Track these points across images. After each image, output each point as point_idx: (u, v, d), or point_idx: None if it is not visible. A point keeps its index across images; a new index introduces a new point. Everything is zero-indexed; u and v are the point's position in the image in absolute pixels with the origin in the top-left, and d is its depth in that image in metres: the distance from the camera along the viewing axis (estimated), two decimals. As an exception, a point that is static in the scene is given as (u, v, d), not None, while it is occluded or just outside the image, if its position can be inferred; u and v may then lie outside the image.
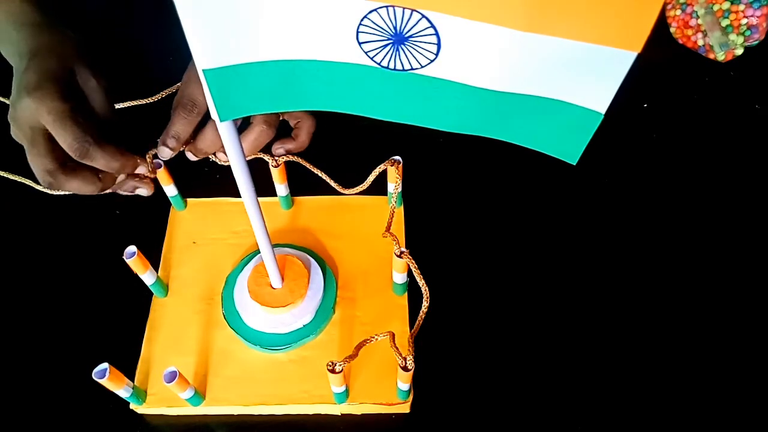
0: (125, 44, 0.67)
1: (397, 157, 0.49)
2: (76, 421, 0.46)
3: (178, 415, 0.47)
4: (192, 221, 0.55)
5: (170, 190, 0.54)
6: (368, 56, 0.28)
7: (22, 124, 0.45)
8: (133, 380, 0.46)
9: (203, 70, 0.29)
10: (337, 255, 0.53)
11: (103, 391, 0.42)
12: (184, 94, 0.48)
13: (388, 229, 0.46)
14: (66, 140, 0.44)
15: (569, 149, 0.30)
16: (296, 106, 0.32)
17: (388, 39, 0.27)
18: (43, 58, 0.46)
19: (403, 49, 0.27)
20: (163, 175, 0.52)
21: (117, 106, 0.54)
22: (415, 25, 0.26)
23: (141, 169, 0.49)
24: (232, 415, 0.47)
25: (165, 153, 0.49)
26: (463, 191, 0.58)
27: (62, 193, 0.56)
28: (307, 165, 0.52)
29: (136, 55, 0.66)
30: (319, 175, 0.52)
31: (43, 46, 0.47)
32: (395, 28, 0.26)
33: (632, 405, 0.47)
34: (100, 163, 0.45)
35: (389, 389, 0.46)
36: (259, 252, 0.45)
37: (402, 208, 0.56)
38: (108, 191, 0.50)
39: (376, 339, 0.42)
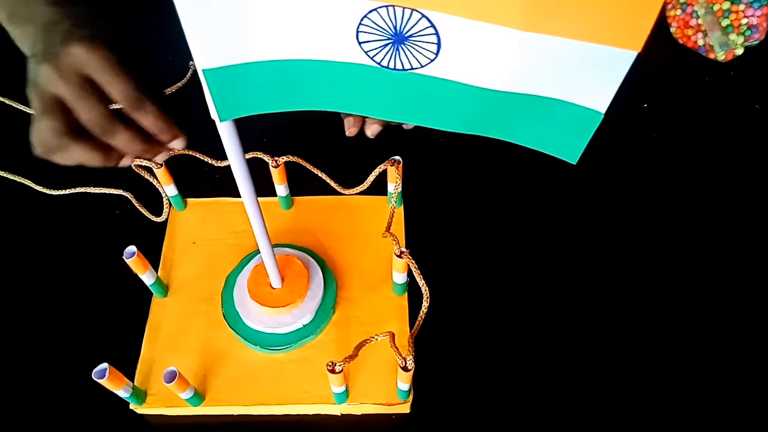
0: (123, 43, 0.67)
1: (397, 157, 0.49)
2: (76, 421, 0.46)
3: (178, 415, 0.47)
4: (192, 221, 0.55)
5: (170, 190, 0.54)
6: (368, 56, 0.28)
7: (64, 73, 0.42)
8: (133, 380, 0.46)
9: (203, 70, 0.29)
10: (337, 255, 0.53)
11: (103, 391, 0.42)
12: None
13: (388, 229, 0.46)
14: (122, 88, 0.42)
15: (569, 149, 0.30)
16: (296, 106, 0.32)
17: (388, 39, 0.27)
18: (85, 20, 0.45)
19: (403, 49, 0.27)
20: (163, 175, 0.52)
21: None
22: (415, 24, 0.26)
23: (178, 143, 0.46)
24: (232, 415, 0.47)
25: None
26: (463, 191, 0.58)
27: (62, 193, 0.56)
28: (307, 165, 0.52)
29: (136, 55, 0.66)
30: (319, 175, 0.52)
31: (80, 12, 0.46)
32: (395, 27, 0.26)
33: (632, 405, 0.47)
34: (148, 120, 0.43)
35: (389, 389, 0.46)
36: (259, 252, 0.45)
37: (402, 208, 0.56)
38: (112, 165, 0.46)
39: (376, 339, 0.42)
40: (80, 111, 0.42)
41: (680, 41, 0.67)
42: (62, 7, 0.46)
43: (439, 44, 0.27)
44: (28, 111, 0.58)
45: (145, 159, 0.47)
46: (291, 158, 0.52)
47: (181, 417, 0.47)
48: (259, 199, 0.40)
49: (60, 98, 0.42)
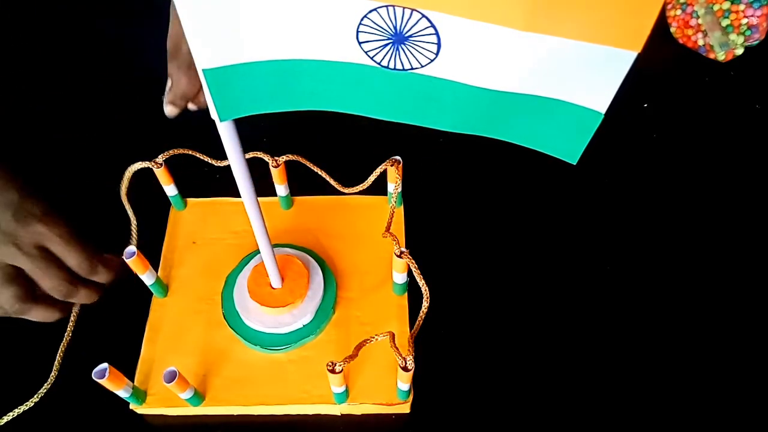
0: (122, 42, 0.67)
1: (397, 157, 0.49)
2: (76, 421, 0.46)
3: (178, 415, 0.47)
4: (192, 221, 0.55)
5: (170, 189, 0.54)
6: (368, 56, 0.28)
7: (25, 248, 0.45)
8: (133, 380, 0.46)
9: (203, 70, 0.29)
10: (337, 255, 0.53)
11: (103, 391, 0.42)
12: (181, 46, 0.47)
13: (388, 229, 0.46)
14: (76, 258, 0.47)
15: (569, 149, 0.30)
16: (296, 106, 0.32)
17: (388, 39, 0.27)
18: (31, 196, 0.48)
19: (403, 49, 0.27)
20: (163, 175, 0.52)
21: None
22: (415, 24, 0.26)
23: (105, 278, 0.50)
24: (232, 415, 0.47)
25: (172, 111, 0.50)
26: (463, 191, 0.58)
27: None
28: (308, 164, 0.52)
29: (136, 54, 0.66)
30: (320, 173, 0.52)
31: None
32: (395, 27, 0.26)
33: (632, 405, 0.47)
34: (102, 279, 0.49)
35: (389, 389, 0.46)
36: (259, 252, 0.45)
37: (402, 208, 0.56)
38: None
39: (376, 339, 0.42)
40: (42, 281, 0.46)
41: (680, 41, 0.67)
42: (8, 181, 0.48)
43: (439, 44, 0.27)
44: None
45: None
46: (291, 157, 0.52)
47: (181, 417, 0.47)
48: (259, 199, 0.40)
49: (21, 269, 0.46)
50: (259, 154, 0.51)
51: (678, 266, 0.53)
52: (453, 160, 0.60)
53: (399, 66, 0.28)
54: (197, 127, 0.47)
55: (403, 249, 0.45)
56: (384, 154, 0.50)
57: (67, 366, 0.48)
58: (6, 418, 0.46)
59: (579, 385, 0.48)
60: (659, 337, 0.50)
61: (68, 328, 0.49)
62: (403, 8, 0.25)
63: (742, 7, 0.62)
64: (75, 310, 0.50)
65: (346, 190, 0.52)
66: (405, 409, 0.47)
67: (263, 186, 0.48)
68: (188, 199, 0.56)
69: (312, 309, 0.49)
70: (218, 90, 0.30)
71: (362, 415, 0.47)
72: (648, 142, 0.61)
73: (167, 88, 0.51)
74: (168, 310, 0.51)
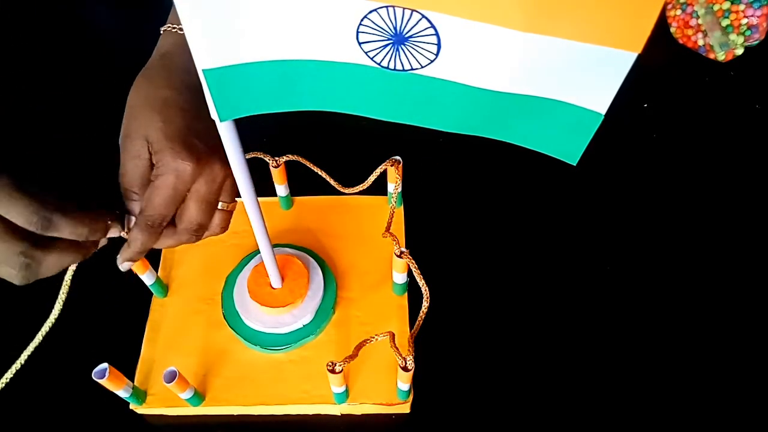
0: (122, 42, 0.67)
1: (397, 157, 0.49)
2: (76, 421, 0.46)
3: (178, 415, 0.47)
4: (192, 221, 0.55)
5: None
6: (368, 56, 0.28)
7: None
8: (133, 380, 0.46)
9: (203, 70, 0.29)
10: (337, 255, 0.53)
11: (103, 391, 0.42)
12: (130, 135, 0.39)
13: (388, 229, 0.46)
14: (21, 215, 0.37)
15: (569, 150, 0.30)
16: (296, 106, 0.32)
17: (388, 39, 0.27)
18: None
19: (403, 49, 0.27)
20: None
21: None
22: (415, 25, 0.26)
23: (114, 232, 0.41)
24: (232, 415, 0.47)
25: (126, 268, 0.42)
26: (463, 191, 0.58)
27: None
28: (308, 164, 0.52)
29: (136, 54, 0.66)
30: (320, 173, 0.52)
31: None
32: (395, 28, 0.26)
33: (632, 405, 0.47)
34: (66, 232, 0.38)
35: (389, 389, 0.46)
36: (259, 252, 0.45)
37: (402, 208, 0.56)
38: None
39: (376, 339, 0.42)
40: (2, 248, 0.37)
41: (680, 41, 0.67)
42: None
43: (439, 45, 0.27)
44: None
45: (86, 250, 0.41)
46: (291, 157, 0.52)
47: (181, 417, 0.47)
48: (259, 199, 0.40)
49: None
50: (259, 154, 0.51)
51: (678, 266, 0.53)
52: (453, 160, 0.60)
53: (399, 66, 0.28)
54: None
55: (403, 249, 0.45)
56: (384, 154, 0.50)
57: (67, 365, 0.48)
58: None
59: (579, 385, 0.48)
60: (659, 336, 0.50)
61: (58, 301, 0.44)
62: (403, 9, 0.25)
63: (742, 7, 0.62)
64: (66, 282, 0.44)
65: (346, 190, 0.52)
66: (405, 409, 0.47)
67: (263, 186, 0.48)
68: (188, 199, 0.56)
69: (312, 309, 0.49)
70: (218, 90, 0.30)
71: (362, 415, 0.47)
72: (648, 142, 0.61)
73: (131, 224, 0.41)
74: (168, 310, 0.51)
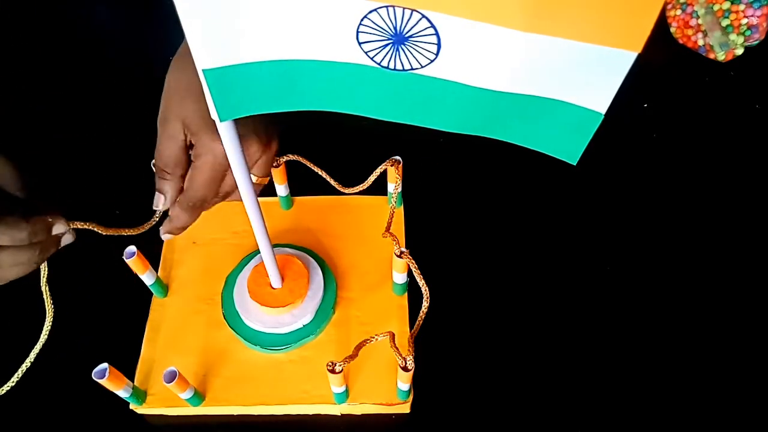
0: (122, 42, 0.67)
1: (397, 157, 0.49)
2: (76, 421, 0.46)
3: (178, 415, 0.47)
4: (192, 221, 0.55)
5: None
6: (368, 56, 0.28)
7: None
8: (133, 380, 0.46)
9: (203, 70, 0.29)
10: (337, 255, 0.53)
11: (103, 391, 0.42)
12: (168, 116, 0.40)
13: (388, 229, 0.46)
14: None
15: (569, 149, 0.30)
16: (296, 106, 0.32)
17: (388, 39, 0.27)
18: None
19: (403, 49, 0.27)
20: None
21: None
22: (415, 25, 0.26)
23: (60, 228, 0.39)
24: (232, 415, 0.47)
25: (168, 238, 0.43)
26: (463, 191, 0.58)
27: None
28: (308, 163, 0.52)
29: (136, 54, 0.66)
30: (320, 173, 0.52)
31: None
32: (395, 28, 0.26)
33: (632, 405, 0.47)
34: (4, 239, 0.36)
35: (389, 389, 0.46)
36: (259, 252, 0.45)
37: (402, 208, 0.56)
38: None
39: (376, 339, 0.42)
40: None
41: (680, 41, 0.67)
42: None
43: (439, 45, 0.27)
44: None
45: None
46: (291, 157, 0.52)
47: (181, 417, 0.47)
48: (259, 199, 0.40)
49: None
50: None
51: (678, 266, 0.53)
52: (453, 160, 0.60)
53: (399, 66, 0.28)
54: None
55: (403, 249, 0.45)
56: (384, 154, 0.50)
57: (67, 366, 0.48)
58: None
59: (579, 385, 0.48)
60: (659, 336, 0.50)
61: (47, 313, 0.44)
62: (403, 9, 0.25)
63: (742, 7, 0.62)
64: (44, 287, 0.44)
65: (346, 190, 0.52)
66: (405, 409, 0.47)
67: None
68: (188, 199, 0.56)
69: (312, 309, 0.49)
70: (218, 90, 0.30)
71: (362, 415, 0.47)
72: (648, 142, 0.61)
73: (158, 204, 0.42)
74: (168, 310, 0.51)
